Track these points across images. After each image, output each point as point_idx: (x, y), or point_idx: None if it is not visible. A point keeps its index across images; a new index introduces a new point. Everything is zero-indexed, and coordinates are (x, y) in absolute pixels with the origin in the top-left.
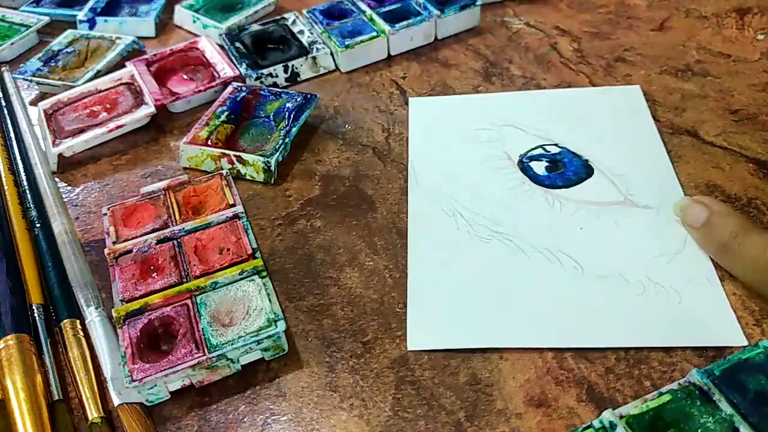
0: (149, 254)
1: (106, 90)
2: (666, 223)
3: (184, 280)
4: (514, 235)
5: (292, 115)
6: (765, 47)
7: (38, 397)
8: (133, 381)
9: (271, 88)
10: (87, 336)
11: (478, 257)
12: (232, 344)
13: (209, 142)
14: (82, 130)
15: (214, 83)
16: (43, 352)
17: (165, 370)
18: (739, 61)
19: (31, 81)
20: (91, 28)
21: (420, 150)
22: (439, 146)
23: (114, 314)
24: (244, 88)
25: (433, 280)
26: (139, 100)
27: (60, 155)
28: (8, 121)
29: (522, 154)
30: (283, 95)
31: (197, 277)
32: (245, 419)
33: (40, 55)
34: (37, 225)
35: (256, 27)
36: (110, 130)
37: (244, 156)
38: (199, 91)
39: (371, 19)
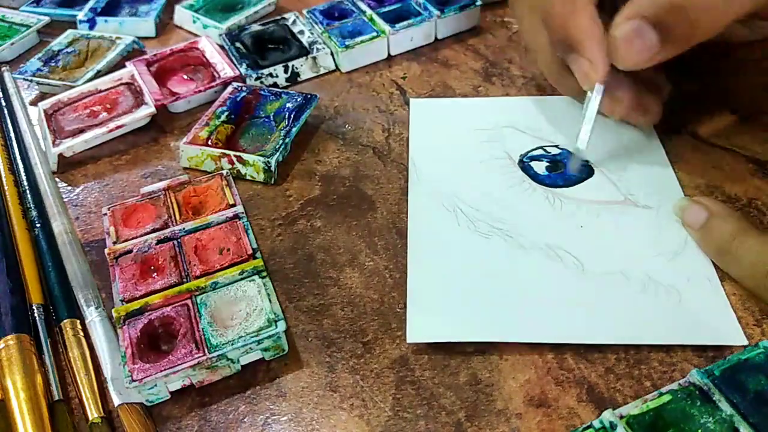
0: (149, 254)
1: (106, 90)
2: (666, 223)
3: (184, 280)
4: (514, 232)
5: (292, 115)
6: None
7: (38, 397)
8: (133, 381)
9: (271, 88)
10: (87, 336)
11: (478, 253)
12: (232, 344)
13: (209, 142)
14: (82, 130)
15: (214, 83)
16: (43, 352)
17: (165, 370)
18: (739, 61)
19: (31, 81)
20: (91, 28)
21: (420, 150)
22: (439, 146)
23: (114, 314)
24: (244, 88)
25: (433, 275)
26: (139, 100)
27: (60, 155)
28: (8, 121)
29: (522, 154)
30: (283, 95)
31: (197, 278)
32: (245, 419)
33: (40, 55)
34: (37, 225)
35: (256, 27)
36: (110, 130)
37: (245, 156)
38: (199, 91)
39: (371, 20)
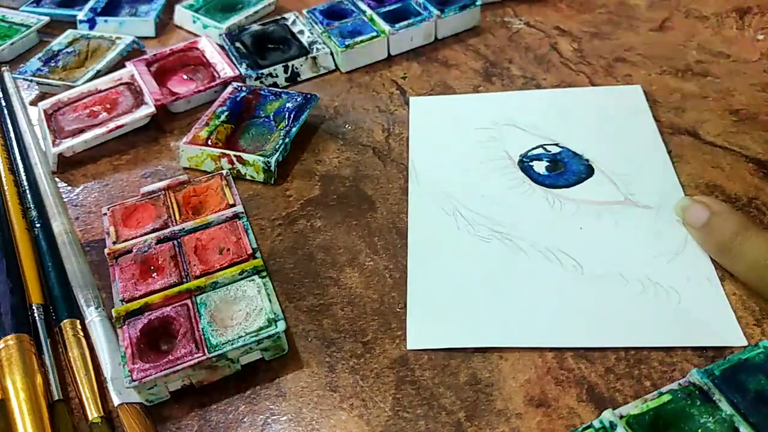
0: (149, 254)
1: (106, 90)
2: (666, 223)
3: (184, 280)
4: (514, 235)
5: (292, 115)
6: (765, 47)
7: (38, 397)
8: (133, 381)
9: (271, 88)
10: (87, 336)
11: (478, 256)
12: (232, 344)
13: (209, 142)
14: (82, 130)
15: (214, 83)
16: (43, 352)
17: (165, 370)
18: (739, 61)
19: (31, 81)
20: (91, 28)
21: (420, 149)
22: (439, 146)
23: (114, 314)
24: (244, 88)
25: (433, 280)
26: (139, 100)
27: (60, 155)
28: (8, 121)
29: (522, 154)
30: (283, 95)
31: (197, 277)
32: (245, 419)
33: (40, 55)
34: (37, 225)
35: (256, 27)
36: (110, 130)
37: (244, 156)
38: (199, 91)
39: (371, 19)
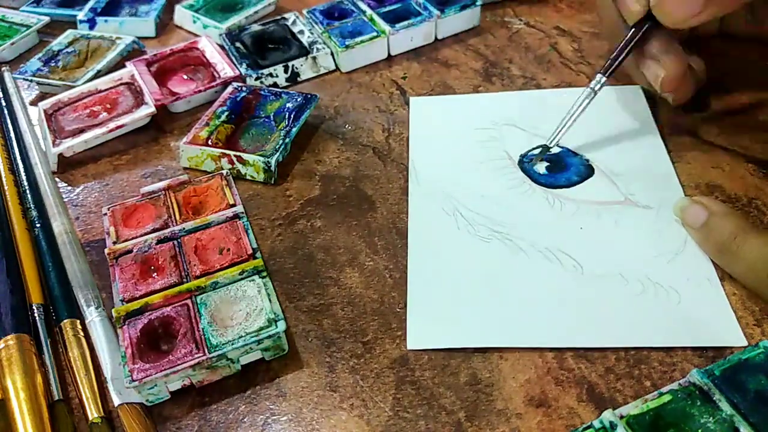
0: (149, 254)
1: (106, 90)
2: (666, 223)
3: (184, 280)
4: (514, 235)
5: (292, 115)
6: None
7: (38, 397)
8: (133, 381)
9: (271, 88)
10: (87, 336)
11: (478, 257)
12: (232, 344)
13: (209, 142)
14: (82, 130)
15: (214, 83)
16: (43, 352)
17: (165, 370)
18: (738, 60)
19: (31, 81)
20: (91, 28)
21: (420, 149)
22: (439, 146)
23: (114, 314)
24: (244, 88)
25: (433, 280)
26: (139, 100)
27: (60, 155)
28: (8, 121)
29: (522, 154)
30: (283, 95)
31: (197, 277)
32: (245, 419)
33: (40, 55)
34: (37, 225)
35: (256, 27)
36: (110, 130)
37: (245, 156)
38: (199, 91)
39: (371, 19)
